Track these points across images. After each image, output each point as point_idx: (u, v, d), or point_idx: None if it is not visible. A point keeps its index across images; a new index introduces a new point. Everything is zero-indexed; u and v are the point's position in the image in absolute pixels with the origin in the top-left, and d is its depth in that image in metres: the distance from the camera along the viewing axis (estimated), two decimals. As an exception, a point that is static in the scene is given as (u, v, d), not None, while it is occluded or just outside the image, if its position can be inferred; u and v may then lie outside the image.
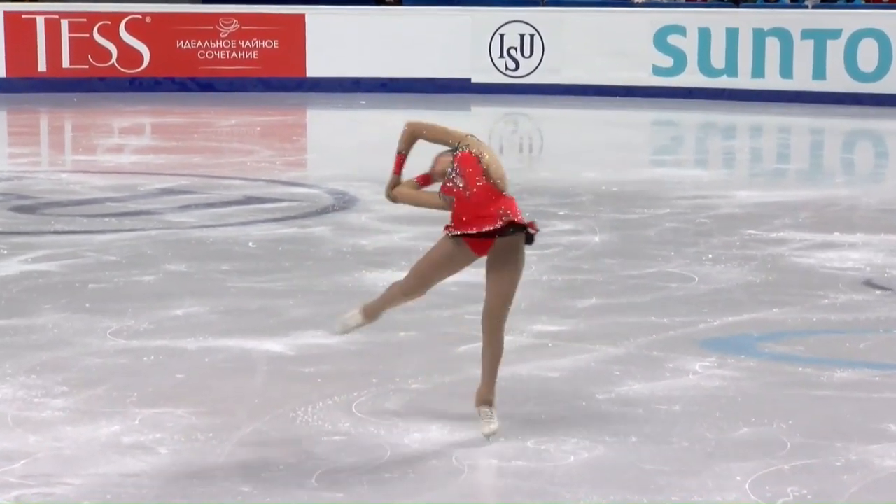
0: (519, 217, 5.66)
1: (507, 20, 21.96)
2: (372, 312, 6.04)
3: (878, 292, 8.66)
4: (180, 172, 13.88)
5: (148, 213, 11.46)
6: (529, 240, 5.70)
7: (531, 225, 5.68)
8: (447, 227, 5.78)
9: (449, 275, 5.85)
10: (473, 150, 5.75)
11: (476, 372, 6.74)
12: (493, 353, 5.76)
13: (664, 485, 5.26)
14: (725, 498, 5.13)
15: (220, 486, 5.23)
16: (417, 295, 5.92)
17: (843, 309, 8.17)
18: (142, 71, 22.18)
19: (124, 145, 17.01)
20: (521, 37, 21.91)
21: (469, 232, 5.68)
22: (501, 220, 5.64)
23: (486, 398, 5.77)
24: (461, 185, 5.73)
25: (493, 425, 5.71)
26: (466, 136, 5.81)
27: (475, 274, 8.81)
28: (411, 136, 5.90)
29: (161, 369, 6.77)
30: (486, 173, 5.70)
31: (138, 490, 5.18)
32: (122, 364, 6.88)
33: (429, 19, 22.17)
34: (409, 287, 5.89)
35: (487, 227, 5.66)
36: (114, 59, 22.10)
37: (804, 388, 6.57)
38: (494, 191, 5.70)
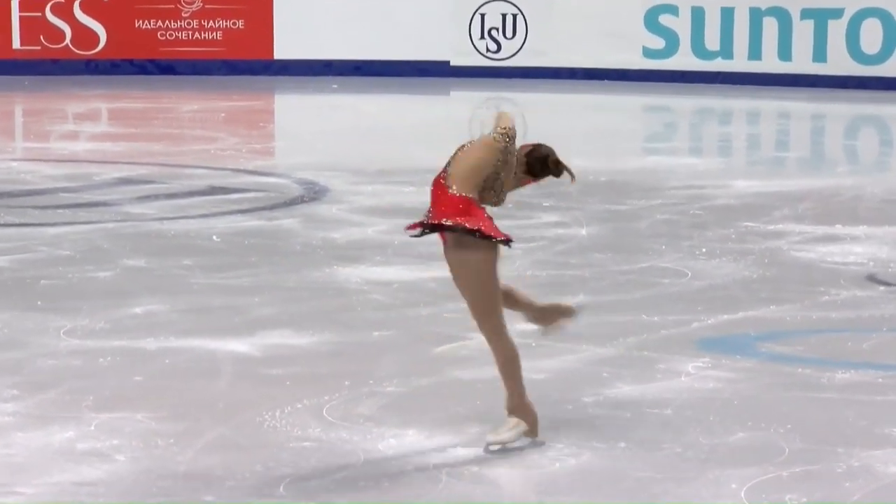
0: (436, 219, 5.49)
1: (488, -1, 21.96)
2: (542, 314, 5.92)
3: (882, 288, 8.69)
4: (139, 161, 13.85)
5: (104, 204, 11.43)
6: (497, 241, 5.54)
7: (457, 226, 5.45)
8: None
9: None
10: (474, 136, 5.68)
11: (456, 374, 6.75)
12: (497, 362, 5.71)
13: (656, 493, 5.27)
14: (720, 507, 5.15)
15: (181, 495, 5.22)
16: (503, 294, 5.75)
17: (846, 306, 8.19)
18: (98, 52, 22.11)
19: (79, 132, 16.96)
20: (504, 16, 21.90)
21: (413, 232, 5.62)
22: (420, 221, 5.55)
23: (506, 406, 5.71)
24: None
25: (497, 436, 5.65)
26: (499, 118, 5.63)
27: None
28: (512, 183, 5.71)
29: (118, 371, 6.76)
30: (445, 169, 5.60)
31: (94, 500, 5.18)
32: (76, 366, 6.86)
33: (405, -2, 22.15)
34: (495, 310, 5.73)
35: (409, 231, 5.59)
36: (68, 40, 22.02)
37: (804, 390, 6.59)
38: (441, 185, 5.60)
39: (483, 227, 5.50)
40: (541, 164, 5.72)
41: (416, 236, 5.67)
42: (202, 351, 7.12)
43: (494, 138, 5.59)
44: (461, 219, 5.51)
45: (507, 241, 5.55)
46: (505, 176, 5.62)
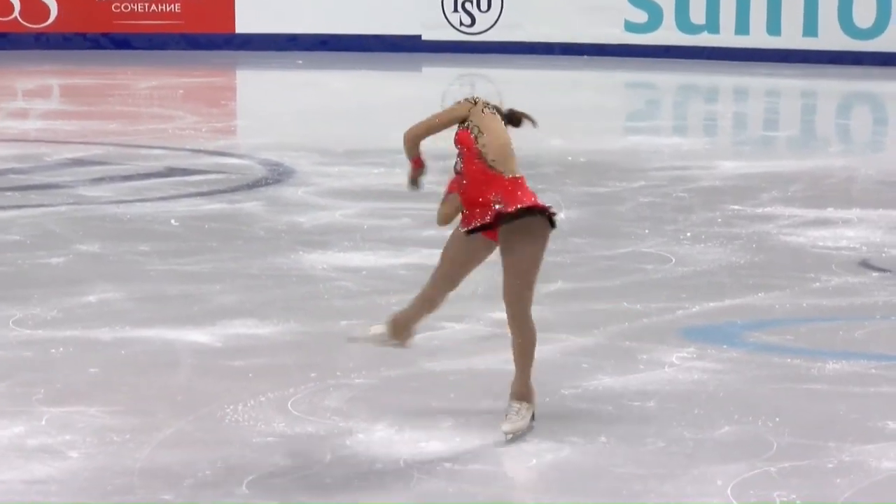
0: (514, 207, 5.62)
1: (461, -31, 21.94)
2: (401, 324, 5.96)
3: (875, 274, 8.73)
4: (93, 141, 13.81)
5: (56, 186, 11.40)
6: (551, 221, 5.67)
7: (535, 208, 5.63)
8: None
9: (475, 266, 5.82)
10: (473, 122, 5.69)
11: (428, 365, 6.75)
12: (516, 343, 5.80)
13: (638, 490, 5.29)
14: (706, 504, 5.17)
15: (138, 493, 5.22)
16: (446, 291, 5.86)
17: (837, 293, 8.23)
18: (48, 26, 22.02)
19: (29, 110, 16.90)
20: (478, -12, 21.88)
21: (466, 229, 5.69)
22: (491, 211, 5.64)
23: (515, 390, 5.81)
24: (460, 168, 5.72)
25: (513, 424, 5.73)
26: (471, 106, 5.72)
27: (427, 256, 8.82)
28: (412, 142, 5.78)
29: (71, 363, 6.75)
30: (480, 154, 5.67)
31: (45, 498, 5.17)
32: (26, 357, 6.84)
33: (373, -32, 22.12)
34: (438, 287, 5.83)
35: (477, 221, 5.68)
36: (16, 13, 21.93)
37: (793, 381, 6.62)
38: (488, 173, 5.67)
39: (551, 209, 5.68)
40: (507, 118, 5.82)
41: (479, 229, 5.70)
42: (160, 341, 7.11)
43: (477, 107, 5.70)
44: (535, 201, 5.65)
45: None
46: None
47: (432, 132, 5.78)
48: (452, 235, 5.82)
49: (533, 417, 5.85)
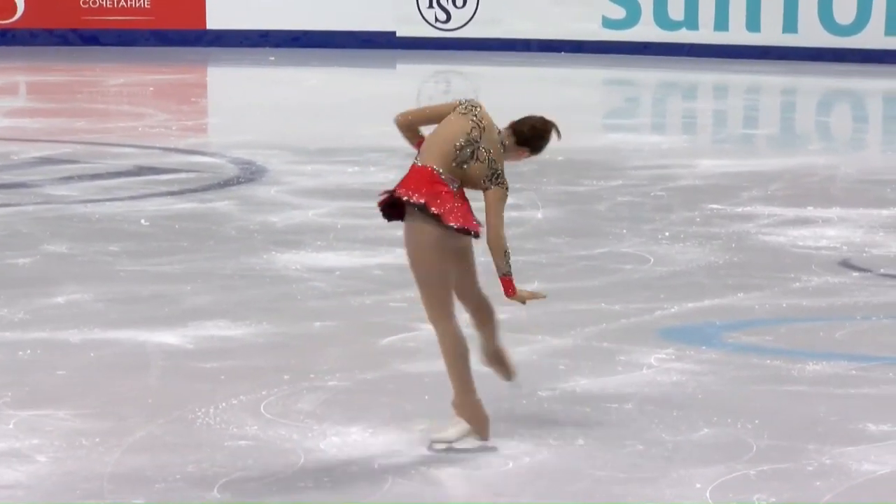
0: (398, 193, 5.58)
1: (437, -36, 21.94)
2: (492, 358, 5.91)
3: (855, 274, 8.76)
4: (61, 139, 13.78)
5: (24, 185, 11.37)
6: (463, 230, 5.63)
7: (398, 198, 5.58)
8: None
9: (459, 262, 5.71)
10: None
11: (402, 367, 6.76)
12: (441, 353, 5.71)
13: (616, 494, 5.31)
14: (684, 507, 5.19)
15: (107, 498, 5.22)
16: (471, 300, 5.81)
17: (817, 293, 8.26)
18: (15, 22, 21.96)
19: (-4, 107, 16.85)
20: (454, -17, 21.89)
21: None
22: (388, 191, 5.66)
23: (453, 403, 5.71)
24: None
25: (437, 433, 5.69)
26: (459, 104, 5.73)
27: (400, 255, 8.82)
28: (407, 128, 5.78)
29: (40, 365, 6.74)
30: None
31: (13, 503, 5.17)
32: (-6, 360, 6.84)
33: (347, -37, 22.10)
34: (464, 303, 5.80)
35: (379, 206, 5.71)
36: (-17, 8, 21.84)
37: (773, 383, 6.65)
38: (413, 165, 5.71)
39: (434, 206, 5.55)
40: (528, 129, 5.79)
41: (389, 219, 5.71)
42: (130, 343, 7.10)
43: (460, 112, 5.70)
44: (418, 191, 5.57)
45: (466, 231, 5.59)
46: (487, 147, 5.67)
47: (423, 117, 5.79)
48: (434, 250, 5.67)
49: (484, 436, 5.68)
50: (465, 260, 5.71)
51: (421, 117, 5.82)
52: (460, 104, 5.73)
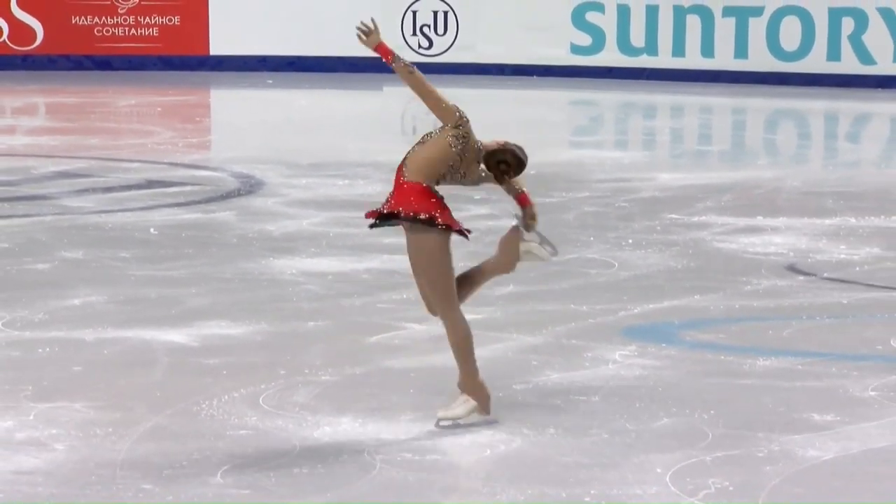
0: (392, 208, 5.66)
1: (419, -4, 21.93)
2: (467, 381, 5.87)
3: (801, 278, 8.77)
4: (76, 155, 13.73)
5: (42, 197, 11.33)
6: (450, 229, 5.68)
7: (397, 213, 5.64)
8: None
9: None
10: (443, 129, 5.73)
11: (389, 363, 6.74)
12: (450, 340, 5.81)
13: (583, 478, 5.30)
14: (646, 491, 5.17)
15: (119, 483, 5.19)
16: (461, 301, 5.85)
17: (766, 295, 8.26)
18: (35, 48, 21.89)
19: (16, 126, 16.79)
20: (435, 14, 21.89)
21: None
22: (377, 210, 5.74)
23: (458, 383, 5.83)
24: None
25: (445, 411, 5.78)
26: (456, 117, 5.69)
27: (387, 261, 8.82)
28: (409, 76, 5.69)
29: (56, 362, 6.71)
30: (408, 155, 5.77)
31: (32, 488, 5.13)
32: (14, 356, 6.80)
33: (338, -6, 22.08)
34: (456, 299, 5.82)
35: (367, 219, 5.79)
36: (5, 36, 21.79)
37: (726, 377, 6.64)
38: (398, 176, 5.73)
39: (436, 216, 5.65)
40: (495, 164, 5.84)
41: (372, 226, 5.80)
42: (139, 341, 7.08)
43: (450, 143, 5.71)
44: (415, 207, 5.64)
45: (460, 232, 5.73)
46: (464, 169, 5.78)
47: (421, 89, 5.67)
48: (440, 253, 5.72)
49: (486, 411, 5.83)
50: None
51: (424, 91, 5.69)
52: (459, 118, 5.70)
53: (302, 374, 6.52)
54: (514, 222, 5.94)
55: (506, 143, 5.87)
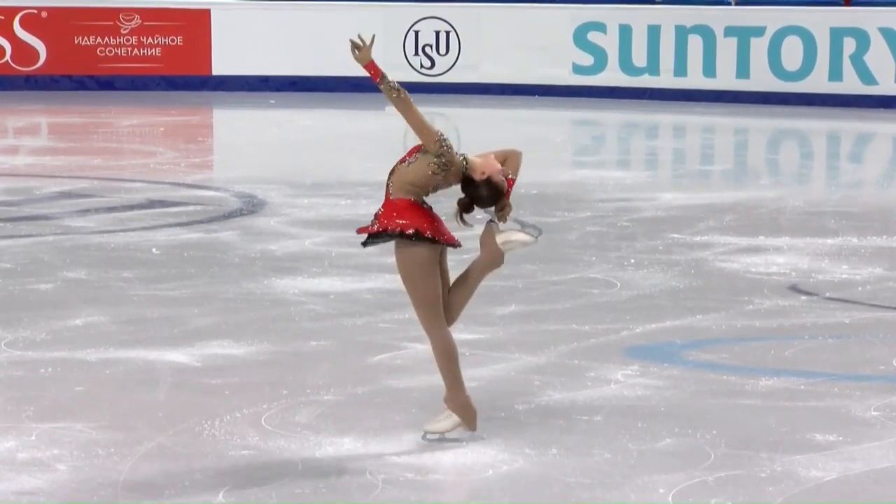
0: (380, 227, 5.72)
1: (421, 16, 21.98)
2: (452, 394, 5.88)
3: (803, 298, 8.77)
4: (79, 175, 13.74)
5: (45, 217, 11.34)
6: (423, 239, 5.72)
7: (385, 230, 5.70)
8: None
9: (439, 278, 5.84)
10: (425, 154, 5.78)
11: (390, 382, 6.74)
12: (434, 354, 5.86)
13: (585, 498, 5.29)
14: (648, 511, 5.17)
15: (121, 503, 5.18)
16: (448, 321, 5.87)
17: (769, 315, 8.26)
18: (38, 68, 21.93)
19: (19, 146, 16.81)
20: (437, 34, 21.93)
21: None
22: (367, 227, 5.81)
23: (444, 398, 5.87)
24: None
25: (429, 425, 5.82)
26: (438, 141, 5.74)
27: (389, 280, 8.81)
28: (395, 98, 5.76)
29: (59, 382, 6.71)
30: (392, 172, 5.83)
31: (35, 509, 5.13)
32: (17, 376, 6.80)
33: (339, 14, 22.14)
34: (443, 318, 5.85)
35: (359, 234, 5.86)
36: (8, 56, 21.83)
37: (729, 396, 6.64)
38: (386, 192, 5.82)
39: (418, 229, 5.68)
40: (470, 196, 5.89)
41: (364, 244, 5.86)
42: (141, 361, 7.07)
43: (433, 171, 5.76)
44: (402, 224, 5.70)
45: (450, 242, 5.78)
46: (448, 183, 5.87)
47: (405, 113, 5.77)
48: (425, 267, 5.76)
49: (472, 427, 5.81)
50: (441, 267, 5.86)
51: (408, 115, 5.76)
52: (440, 146, 5.74)
53: (304, 394, 6.52)
54: (488, 217, 5.96)
55: (489, 177, 5.86)
